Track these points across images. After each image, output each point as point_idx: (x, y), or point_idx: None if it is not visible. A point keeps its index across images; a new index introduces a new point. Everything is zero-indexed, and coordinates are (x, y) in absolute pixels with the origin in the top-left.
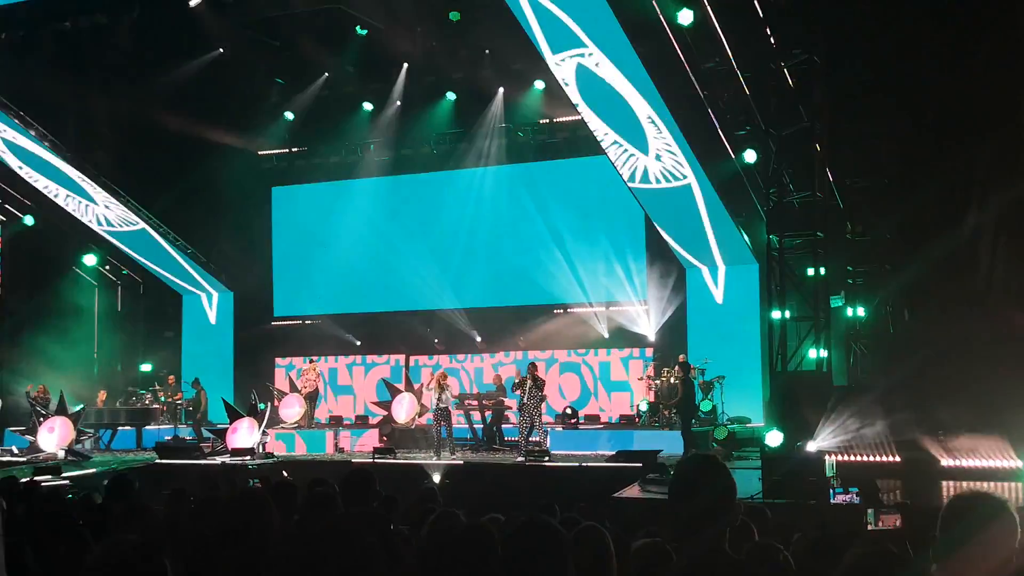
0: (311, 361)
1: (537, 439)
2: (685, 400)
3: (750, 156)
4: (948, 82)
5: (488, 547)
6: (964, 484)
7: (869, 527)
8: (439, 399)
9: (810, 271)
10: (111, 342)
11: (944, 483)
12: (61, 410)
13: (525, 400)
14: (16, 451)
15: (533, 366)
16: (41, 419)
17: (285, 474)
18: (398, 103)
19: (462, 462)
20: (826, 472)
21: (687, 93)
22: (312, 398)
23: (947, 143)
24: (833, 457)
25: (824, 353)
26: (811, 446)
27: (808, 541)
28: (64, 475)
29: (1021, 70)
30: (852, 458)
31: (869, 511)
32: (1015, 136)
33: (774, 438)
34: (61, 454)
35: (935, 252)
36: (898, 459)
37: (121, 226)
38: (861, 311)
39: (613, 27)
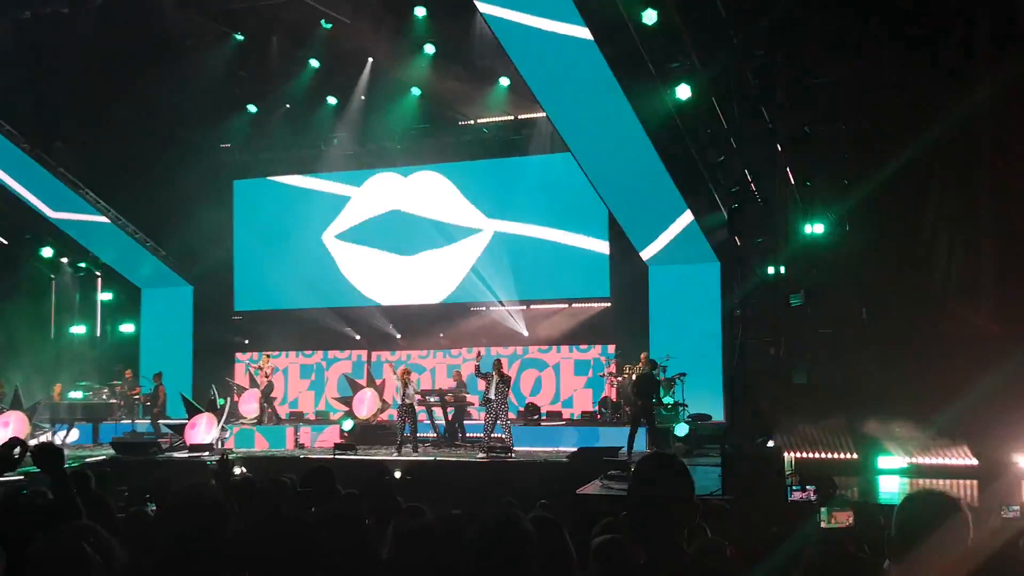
0: (265, 356)
1: (502, 435)
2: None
3: (713, 156)
4: (907, 81)
5: (456, 542)
6: (920, 482)
7: (822, 524)
8: (404, 395)
9: (770, 270)
10: (68, 335)
11: (900, 480)
12: (16, 404)
13: (491, 396)
14: None
15: (499, 362)
16: None
17: (244, 470)
18: (363, 98)
19: (424, 458)
20: (785, 469)
21: (651, 94)
22: (267, 392)
23: (905, 142)
24: (792, 454)
25: (783, 351)
26: (770, 443)
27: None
28: (22, 472)
29: (977, 70)
30: (811, 455)
31: (822, 509)
32: (973, 135)
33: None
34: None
35: (893, 252)
36: (855, 456)
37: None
38: None
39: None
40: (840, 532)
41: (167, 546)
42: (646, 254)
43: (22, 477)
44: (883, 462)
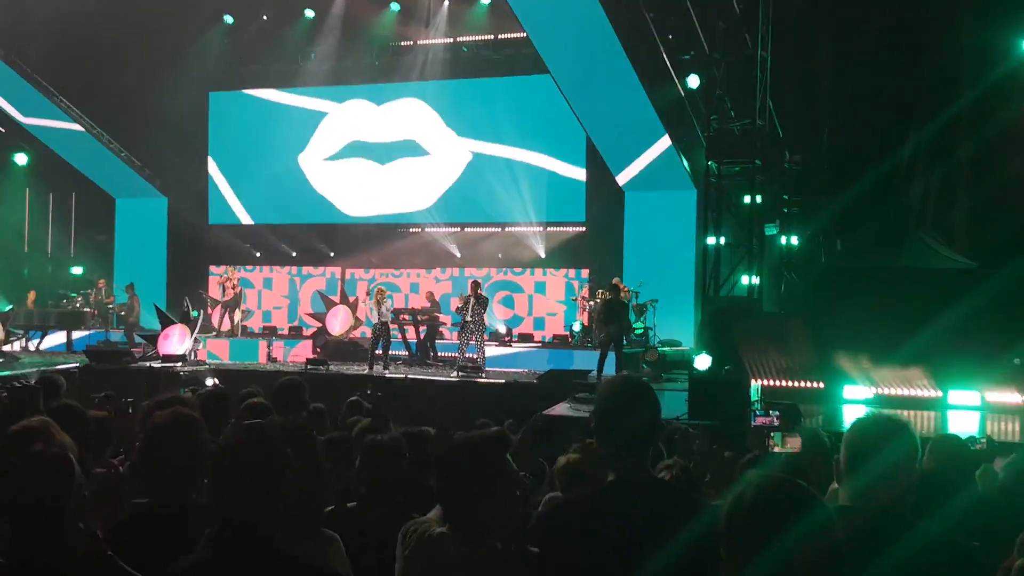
0: (231, 269)
1: (474, 356)
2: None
3: (693, 81)
4: (887, 15)
5: (403, 455)
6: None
7: (776, 448)
8: (379, 314)
9: (746, 199)
10: (42, 243)
11: (866, 411)
12: None
13: (468, 318)
14: None
15: (476, 283)
16: None
17: (216, 382)
18: (341, 11)
19: (396, 376)
20: (750, 395)
21: (634, 15)
22: (229, 306)
23: (885, 76)
24: (759, 382)
25: (756, 280)
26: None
27: (729, 459)
28: None
29: (954, 6)
30: (778, 383)
31: (775, 434)
32: (949, 71)
33: (703, 361)
34: None
35: (868, 184)
36: (821, 385)
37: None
38: (795, 240)
39: None
40: (790, 456)
41: (154, 455)
42: (622, 179)
43: None
44: (849, 392)
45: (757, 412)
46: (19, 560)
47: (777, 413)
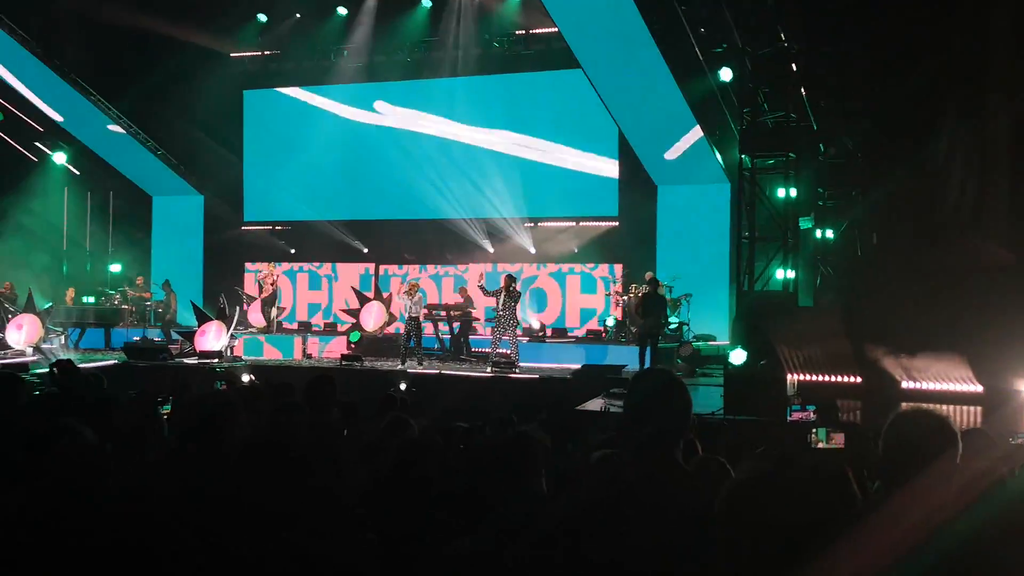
0: (269, 265)
1: (507, 351)
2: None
3: (726, 74)
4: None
5: (437, 454)
6: (923, 407)
7: (820, 445)
8: (410, 308)
9: (781, 192)
10: (80, 241)
11: (903, 405)
12: (29, 307)
13: (500, 312)
14: None
15: (510, 278)
16: (9, 316)
17: (252, 378)
18: (373, 8)
19: (428, 371)
20: (786, 390)
21: (665, 8)
22: (268, 303)
23: (921, 65)
24: (795, 376)
25: (791, 274)
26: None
27: (761, 455)
28: (32, 372)
29: None
30: (814, 377)
31: (819, 429)
32: (987, 62)
33: (738, 356)
34: (29, 351)
35: (905, 177)
36: (859, 380)
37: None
38: (830, 233)
39: None
40: (832, 452)
41: (179, 437)
42: (655, 173)
43: (36, 379)
44: (887, 386)
45: (793, 407)
46: None
47: (814, 408)
